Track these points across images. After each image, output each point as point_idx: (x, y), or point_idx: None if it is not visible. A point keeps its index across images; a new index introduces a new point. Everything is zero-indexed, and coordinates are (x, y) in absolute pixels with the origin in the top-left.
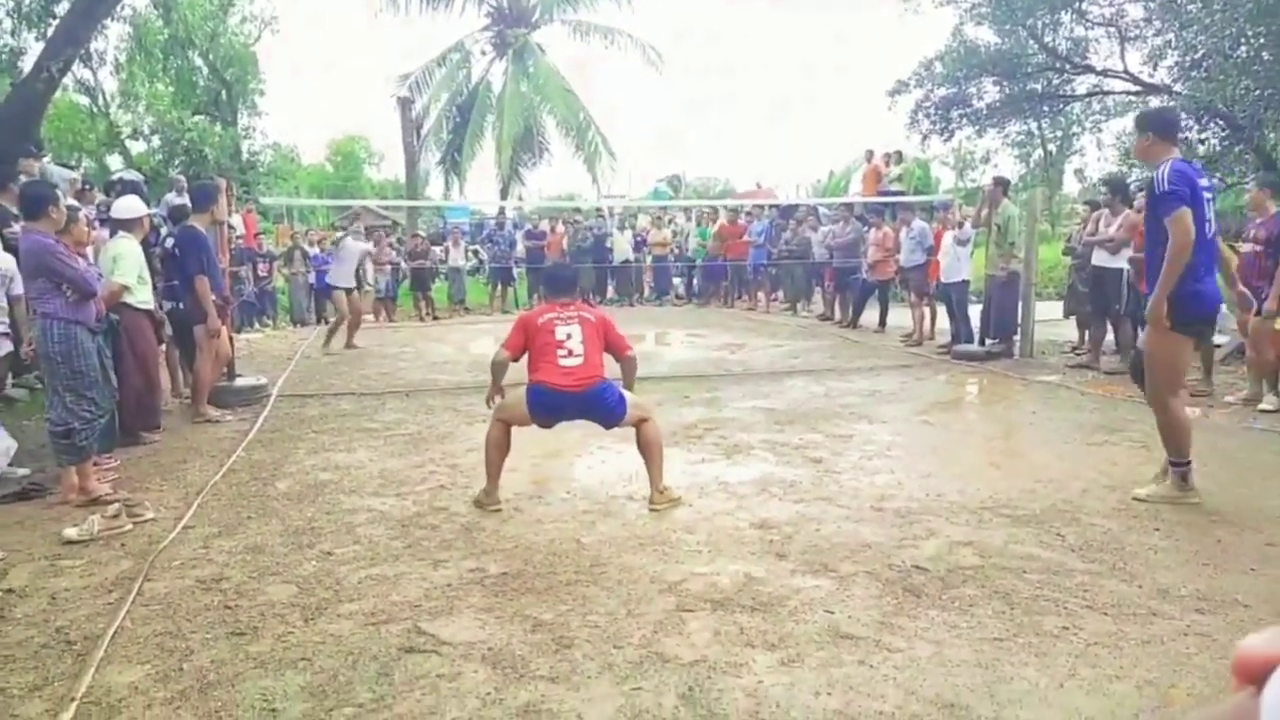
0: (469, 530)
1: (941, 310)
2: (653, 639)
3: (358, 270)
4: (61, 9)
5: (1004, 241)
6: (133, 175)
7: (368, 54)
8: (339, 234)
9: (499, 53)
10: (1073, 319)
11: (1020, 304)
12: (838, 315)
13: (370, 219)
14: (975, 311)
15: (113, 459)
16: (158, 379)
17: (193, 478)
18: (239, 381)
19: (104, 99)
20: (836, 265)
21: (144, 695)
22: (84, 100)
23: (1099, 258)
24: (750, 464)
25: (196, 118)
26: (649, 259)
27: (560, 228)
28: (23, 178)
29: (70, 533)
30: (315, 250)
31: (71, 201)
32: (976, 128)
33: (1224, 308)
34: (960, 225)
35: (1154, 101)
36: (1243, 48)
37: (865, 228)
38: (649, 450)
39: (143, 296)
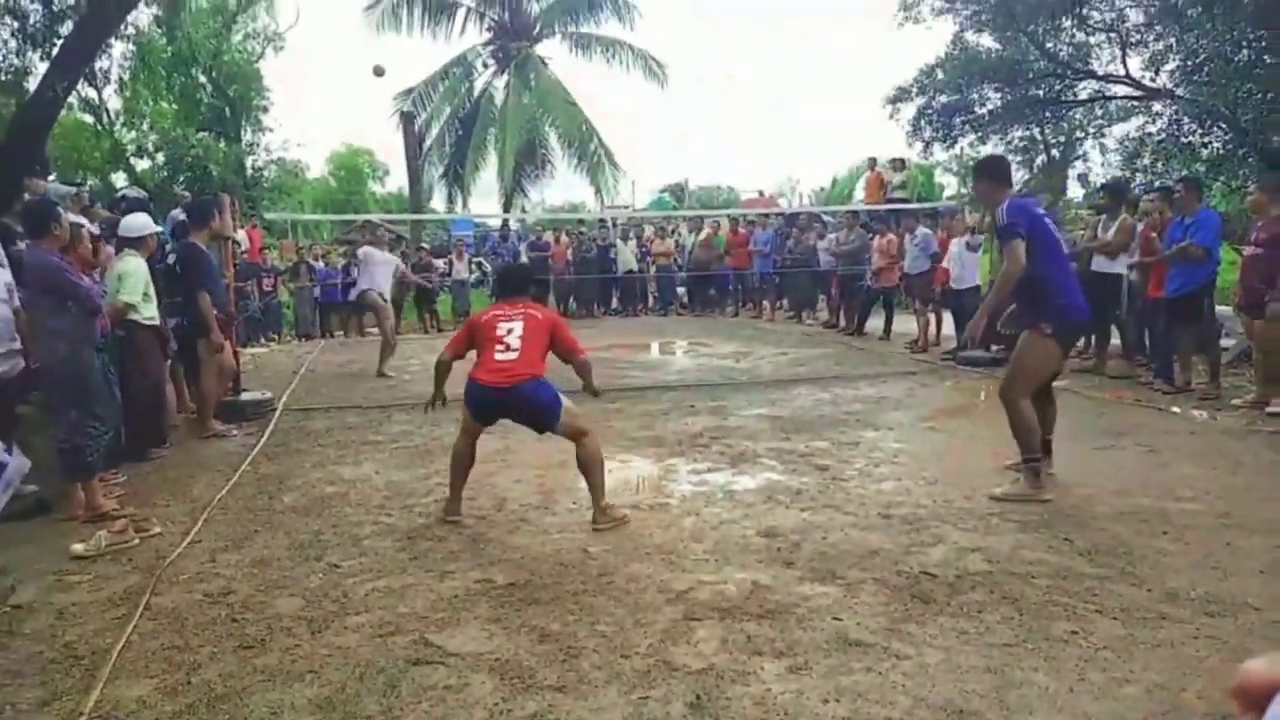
0: (475, 542)
1: (946, 316)
2: (660, 648)
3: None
4: (66, 29)
5: None
6: (138, 193)
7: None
8: (359, 246)
9: (500, 66)
10: None
11: None
12: (842, 323)
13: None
14: None
15: (119, 474)
16: (164, 395)
17: (199, 492)
18: (244, 396)
19: (108, 117)
20: (841, 273)
21: (152, 709)
22: (88, 119)
23: (1098, 263)
24: (757, 472)
25: (201, 134)
26: (653, 269)
27: (564, 239)
28: (27, 196)
29: (77, 548)
30: (320, 265)
31: (75, 218)
32: (979, 134)
33: (1229, 311)
34: (972, 231)
35: (1156, 106)
36: (1244, 51)
37: (870, 235)
38: (588, 468)
39: (149, 313)
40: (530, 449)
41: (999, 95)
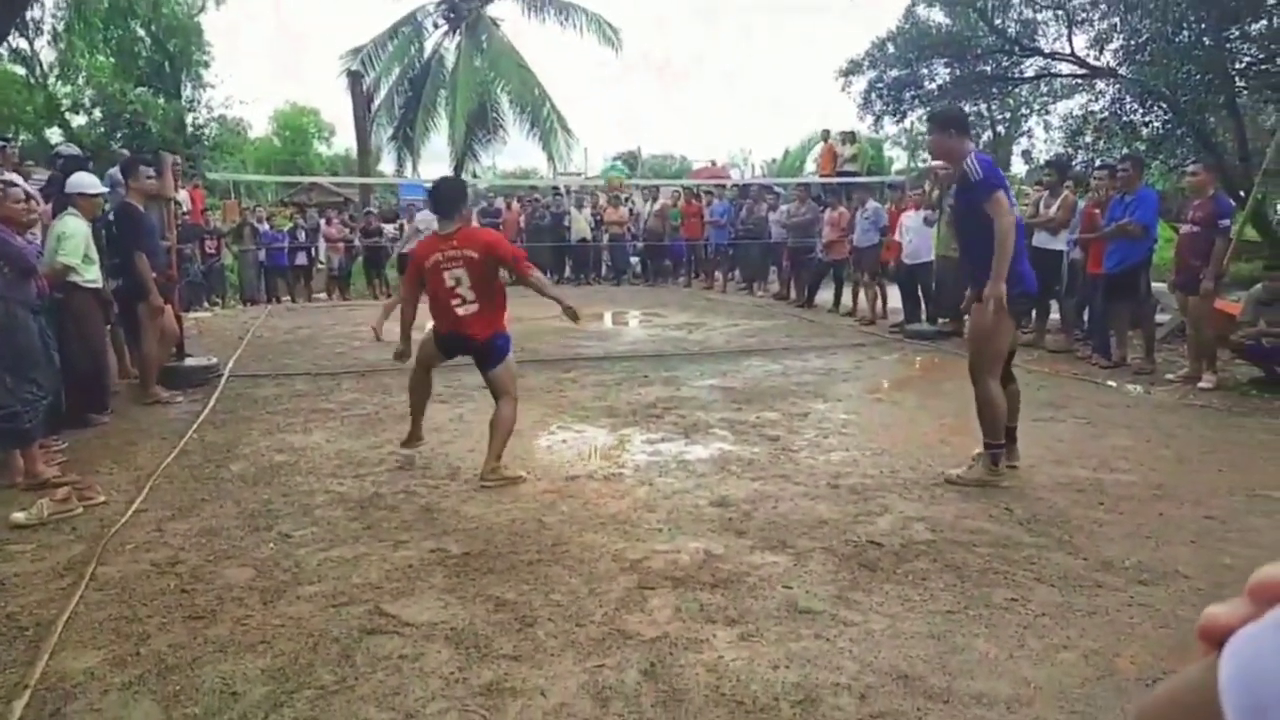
0: (429, 511)
1: (892, 290)
2: (615, 616)
3: None
4: None
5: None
6: (74, 150)
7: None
8: (416, 210)
9: (452, 26)
10: None
11: None
12: (793, 295)
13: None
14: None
15: (60, 441)
16: (105, 359)
17: (144, 460)
18: (188, 361)
19: (41, 70)
20: (792, 245)
21: (100, 681)
22: (20, 70)
23: (1039, 239)
24: (709, 442)
25: (139, 90)
26: (606, 238)
27: (516, 205)
28: None
29: (18, 517)
30: (265, 227)
31: (9, 175)
32: (928, 109)
33: (1165, 288)
34: (932, 208)
35: (1099, 84)
36: (1185, 32)
37: (821, 208)
38: (497, 426)
39: (90, 275)
40: (484, 418)
41: (948, 70)
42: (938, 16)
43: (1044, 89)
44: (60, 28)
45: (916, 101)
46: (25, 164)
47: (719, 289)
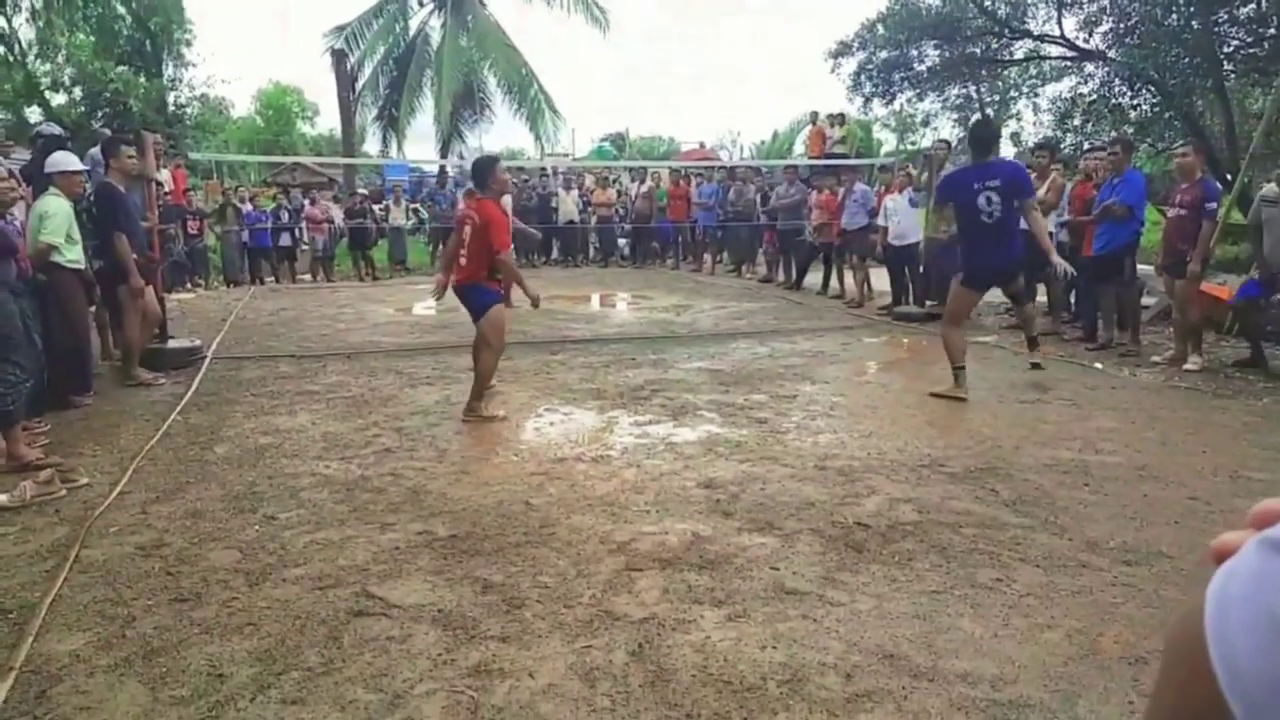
0: (416, 493)
1: (880, 272)
2: (602, 598)
3: None
4: None
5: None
6: (54, 129)
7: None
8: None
9: (437, 5)
10: None
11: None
12: (781, 277)
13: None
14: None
15: (43, 423)
16: (88, 341)
17: (127, 442)
18: (171, 343)
19: (20, 48)
20: (780, 227)
21: (86, 663)
22: None
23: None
24: (697, 424)
25: (120, 68)
26: (594, 219)
27: None
28: None
29: (1, 499)
30: (248, 207)
31: None
32: (917, 91)
33: (1151, 270)
34: (919, 189)
35: (1088, 67)
36: (1174, 16)
37: (809, 190)
38: (477, 369)
39: (72, 256)
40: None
41: (938, 52)
42: None
43: (1033, 71)
44: (39, 5)
45: (906, 83)
46: (4, 143)
47: (707, 271)
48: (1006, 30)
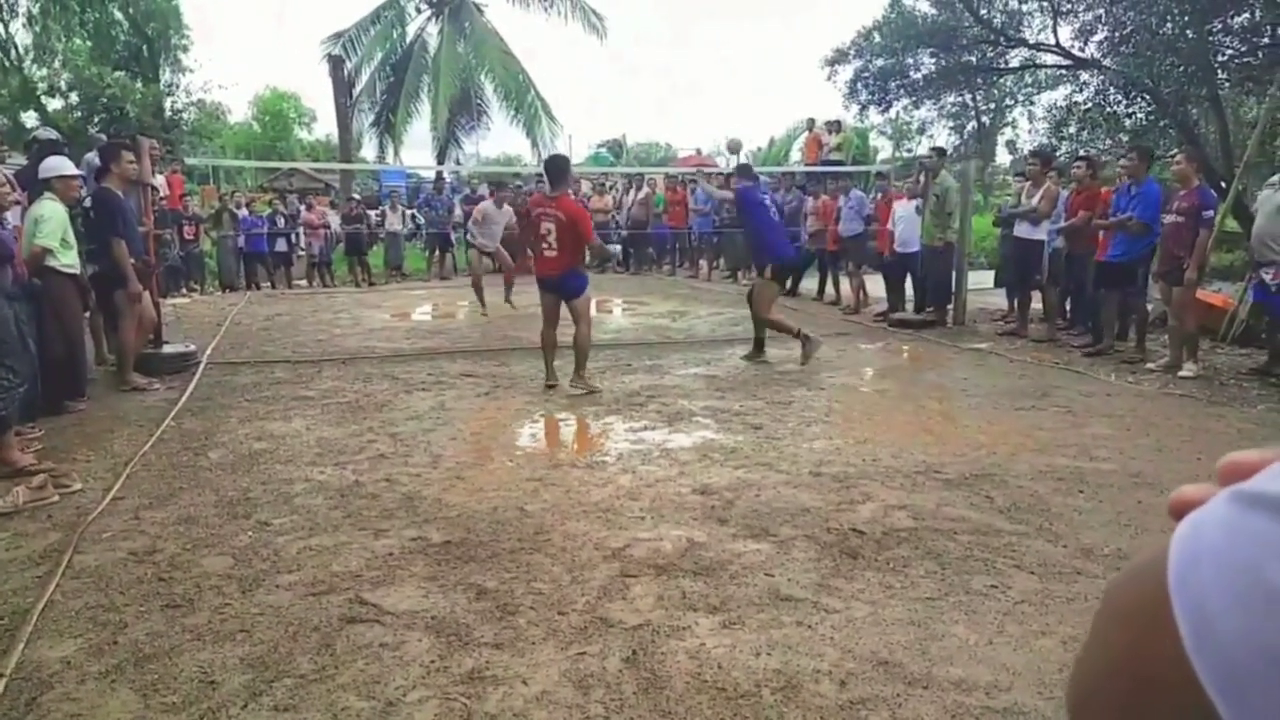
0: (410, 499)
1: (875, 279)
2: (597, 604)
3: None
4: None
5: (942, 212)
6: (50, 134)
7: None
8: (483, 200)
9: (434, 11)
10: (1003, 288)
11: (954, 273)
12: None
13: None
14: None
15: (36, 429)
16: (82, 345)
17: (121, 448)
18: (166, 348)
19: (17, 53)
20: None
21: (77, 670)
22: None
23: (1021, 229)
24: (692, 430)
25: (117, 73)
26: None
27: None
28: None
29: None
30: (244, 213)
31: None
32: (913, 99)
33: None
34: (918, 197)
35: (1084, 76)
36: (1169, 24)
37: (805, 196)
38: (577, 344)
39: (67, 260)
40: (466, 406)
41: (933, 60)
42: (924, 6)
43: (1029, 80)
44: (36, 10)
45: (902, 91)
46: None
47: (703, 277)
48: (1002, 39)
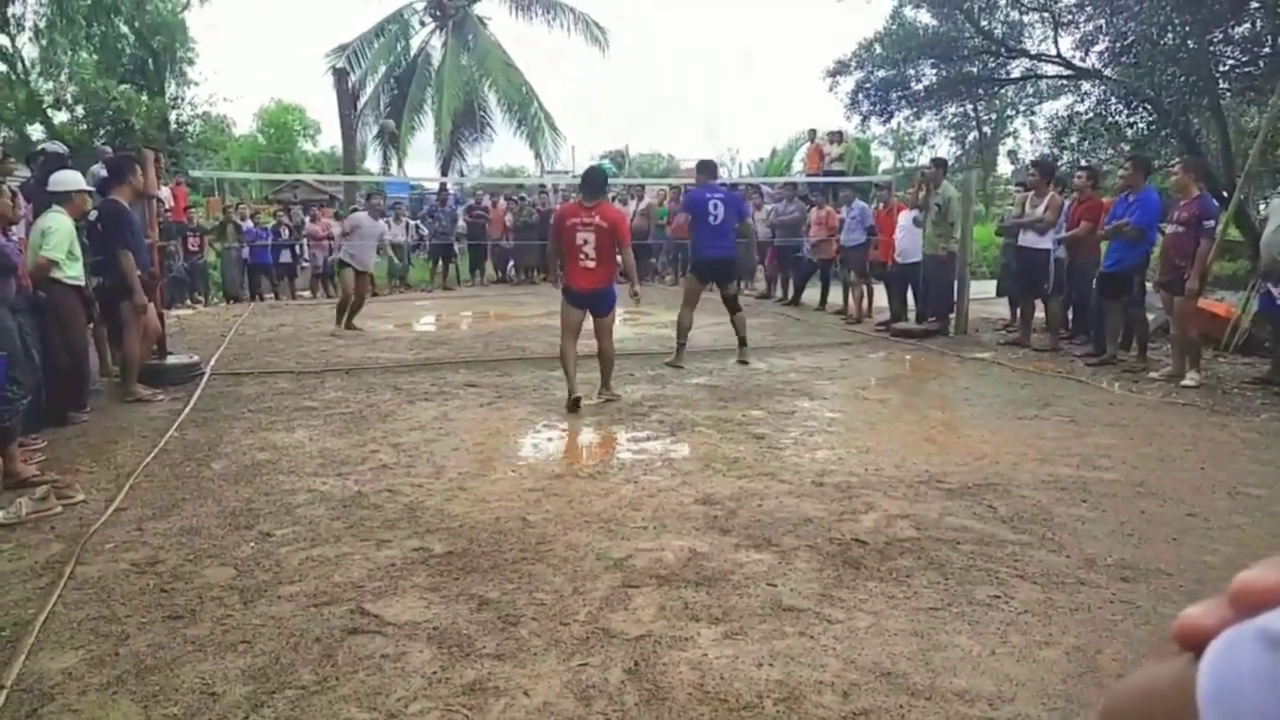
0: (413, 510)
1: (878, 288)
2: (599, 615)
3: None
4: None
5: (943, 222)
6: (57, 147)
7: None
8: (353, 208)
9: (438, 25)
10: (1005, 298)
11: (956, 283)
12: (779, 293)
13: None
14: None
15: (39, 440)
16: (86, 357)
17: (124, 458)
18: (170, 359)
19: (23, 66)
20: (779, 244)
21: (78, 681)
22: (1, 67)
23: (1026, 239)
24: (694, 440)
25: (123, 86)
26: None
27: (503, 204)
28: None
29: None
30: (249, 224)
31: None
32: (915, 110)
33: (1150, 287)
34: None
35: (1085, 86)
36: (1170, 35)
37: (808, 207)
38: (606, 361)
39: (73, 273)
40: (469, 416)
41: (935, 71)
42: (925, 18)
43: (1030, 90)
44: (42, 24)
45: (904, 102)
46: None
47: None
48: (1003, 50)
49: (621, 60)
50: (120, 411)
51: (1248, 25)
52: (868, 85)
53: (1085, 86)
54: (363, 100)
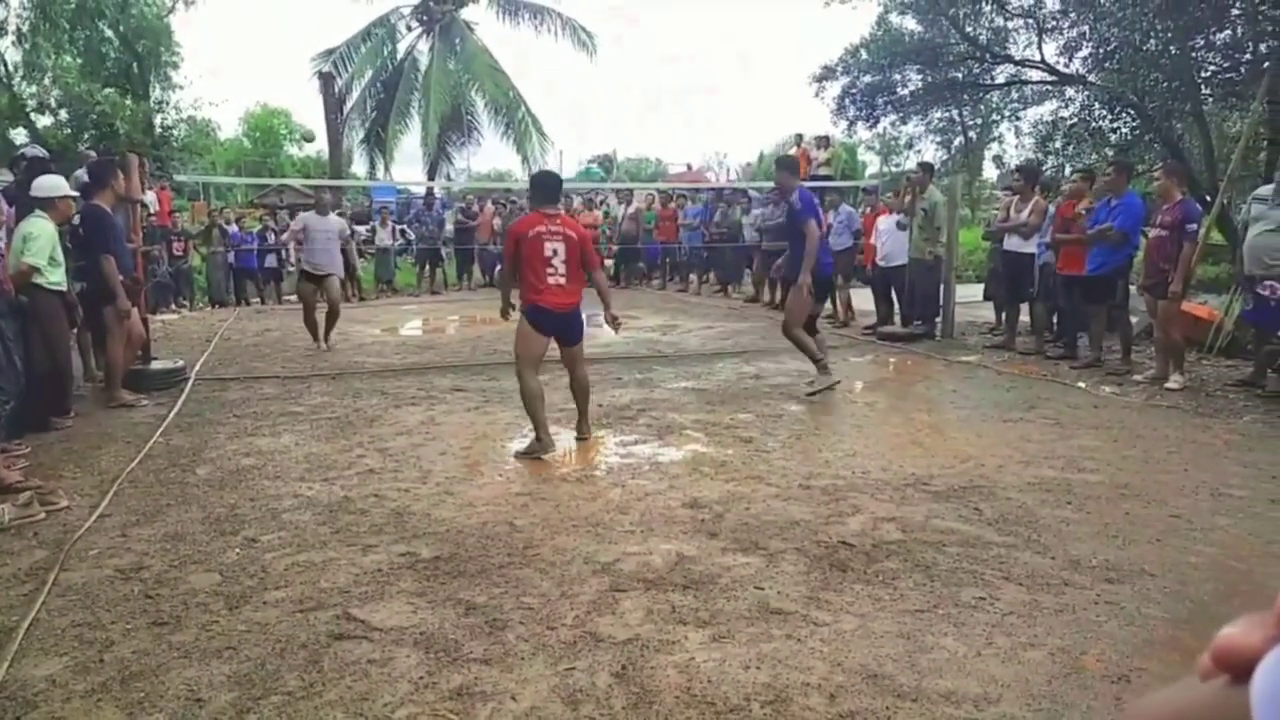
0: (399, 515)
1: (864, 293)
2: (586, 619)
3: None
4: None
5: (929, 226)
6: (38, 151)
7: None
8: (304, 213)
9: (425, 29)
10: (990, 301)
11: (942, 287)
12: (766, 297)
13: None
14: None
15: (23, 445)
16: (69, 362)
17: (108, 464)
18: (155, 364)
19: (6, 70)
20: (766, 248)
21: (62, 688)
22: None
23: (1011, 243)
24: (682, 444)
25: (107, 90)
26: None
27: (491, 208)
28: None
29: None
30: (234, 228)
31: None
32: (900, 115)
33: (1133, 290)
34: (905, 213)
35: (1069, 91)
36: (1152, 41)
37: None
38: (582, 392)
39: (55, 278)
40: (455, 421)
41: (920, 77)
42: (910, 24)
43: (1014, 95)
44: (25, 28)
45: (889, 107)
46: None
47: (693, 291)
48: (988, 55)
49: (609, 64)
50: (104, 417)
51: (1229, 32)
52: (854, 90)
53: (1069, 92)
54: (349, 104)
